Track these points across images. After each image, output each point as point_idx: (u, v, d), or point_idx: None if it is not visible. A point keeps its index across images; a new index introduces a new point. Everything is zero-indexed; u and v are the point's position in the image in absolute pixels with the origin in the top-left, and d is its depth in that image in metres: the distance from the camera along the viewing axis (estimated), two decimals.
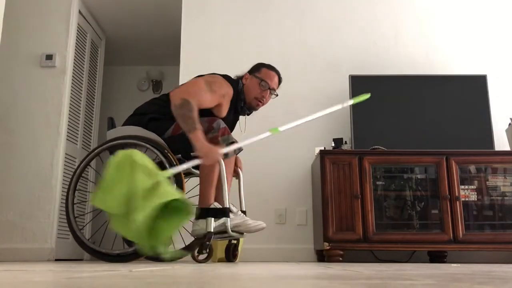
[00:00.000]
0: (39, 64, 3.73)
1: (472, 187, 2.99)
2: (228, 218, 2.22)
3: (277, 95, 2.61)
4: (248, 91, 2.52)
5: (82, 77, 4.11)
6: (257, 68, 2.58)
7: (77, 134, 3.98)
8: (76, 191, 2.43)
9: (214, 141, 2.21)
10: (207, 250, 2.19)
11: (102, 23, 4.55)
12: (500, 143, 3.40)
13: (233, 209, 2.32)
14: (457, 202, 2.93)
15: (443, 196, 2.94)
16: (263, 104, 2.56)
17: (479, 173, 3.04)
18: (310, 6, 3.84)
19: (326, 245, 2.86)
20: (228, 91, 2.41)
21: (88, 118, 4.27)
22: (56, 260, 3.43)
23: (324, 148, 3.25)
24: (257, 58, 3.73)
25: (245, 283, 0.76)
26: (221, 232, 2.23)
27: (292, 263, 2.50)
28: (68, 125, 3.76)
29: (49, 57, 3.73)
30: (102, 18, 4.46)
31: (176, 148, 2.29)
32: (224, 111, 2.41)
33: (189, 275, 1.00)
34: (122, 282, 0.78)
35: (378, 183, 3.01)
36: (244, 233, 2.36)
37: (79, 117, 4.03)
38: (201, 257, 2.29)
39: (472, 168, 3.06)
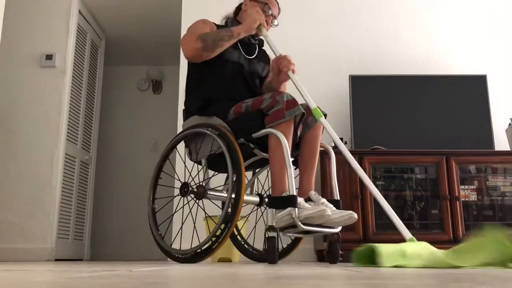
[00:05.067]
0: (39, 64, 3.73)
1: (472, 187, 2.99)
2: (295, 208, 1.81)
3: (277, 25, 2.37)
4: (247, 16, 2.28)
5: (82, 77, 4.11)
6: None
7: (77, 134, 3.99)
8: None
9: (278, 115, 1.93)
10: (268, 248, 1.82)
11: (102, 23, 4.55)
12: (500, 143, 3.39)
13: (314, 197, 1.97)
14: (457, 202, 2.93)
15: (443, 196, 2.94)
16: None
17: (479, 173, 3.04)
18: (310, 6, 3.84)
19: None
20: (212, 26, 2.28)
21: (88, 118, 4.27)
22: (56, 260, 3.43)
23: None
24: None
25: (245, 283, 0.76)
26: (291, 226, 1.84)
27: (292, 263, 2.50)
28: (68, 125, 3.77)
29: (49, 57, 3.73)
30: (102, 18, 4.46)
31: (237, 130, 2.02)
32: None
33: (189, 275, 1.00)
34: (121, 282, 0.78)
35: (378, 183, 3.00)
36: (337, 227, 1.98)
37: (79, 117, 4.03)
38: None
39: (472, 168, 3.06)
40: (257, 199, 2.29)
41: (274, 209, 1.86)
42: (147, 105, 5.41)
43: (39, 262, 2.79)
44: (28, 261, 2.96)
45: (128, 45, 5.03)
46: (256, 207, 2.40)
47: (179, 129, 3.50)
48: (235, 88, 2.21)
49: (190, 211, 2.11)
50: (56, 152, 3.57)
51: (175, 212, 2.34)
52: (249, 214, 2.49)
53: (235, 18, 2.38)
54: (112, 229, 5.02)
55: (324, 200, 1.97)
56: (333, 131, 2.01)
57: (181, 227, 2.20)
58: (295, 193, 1.87)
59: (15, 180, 3.51)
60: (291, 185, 1.86)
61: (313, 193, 2.01)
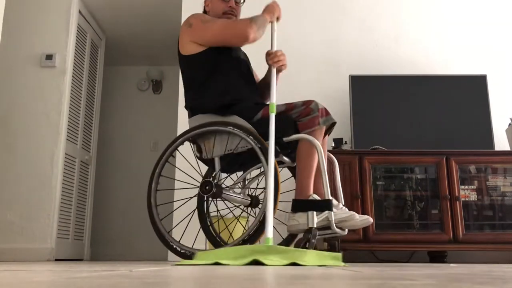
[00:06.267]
0: (39, 64, 3.73)
1: (472, 187, 2.99)
2: (332, 212, 1.93)
3: (244, 1, 2.44)
4: (215, 12, 2.36)
5: (82, 77, 4.11)
6: None
7: (77, 134, 3.99)
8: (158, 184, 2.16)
9: (314, 122, 2.00)
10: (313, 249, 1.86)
11: (102, 23, 4.55)
12: (500, 143, 3.40)
13: (334, 202, 2.05)
14: (457, 202, 2.93)
15: (443, 196, 2.94)
16: (235, 16, 2.37)
17: (479, 173, 3.04)
18: (310, 5, 3.84)
19: (326, 245, 2.86)
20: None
21: (88, 118, 4.27)
22: (56, 260, 3.43)
23: None
24: (256, 58, 3.73)
25: (245, 283, 0.76)
26: (324, 228, 1.94)
27: None
28: (68, 125, 3.77)
29: (49, 57, 3.73)
30: (102, 18, 4.46)
31: (265, 132, 2.00)
32: None
33: (189, 275, 1.00)
34: (122, 282, 0.78)
35: (378, 183, 3.01)
36: (346, 230, 2.07)
37: (79, 117, 4.03)
38: None
39: (472, 168, 3.06)
40: (248, 200, 2.27)
41: (314, 212, 1.91)
42: (147, 105, 5.41)
43: (39, 262, 2.78)
44: (28, 261, 2.96)
45: (128, 45, 5.03)
46: (246, 208, 2.37)
47: (179, 129, 3.49)
48: (253, 88, 2.25)
49: (208, 208, 2.07)
50: (56, 152, 3.57)
51: (182, 205, 2.30)
52: (240, 215, 2.47)
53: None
54: (112, 229, 5.02)
55: (341, 204, 2.07)
56: None
57: (188, 216, 2.17)
58: (330, 198, 1.95)
59: (15, 180, 3.50)
60: (327, 190, 1.95)
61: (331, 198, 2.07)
